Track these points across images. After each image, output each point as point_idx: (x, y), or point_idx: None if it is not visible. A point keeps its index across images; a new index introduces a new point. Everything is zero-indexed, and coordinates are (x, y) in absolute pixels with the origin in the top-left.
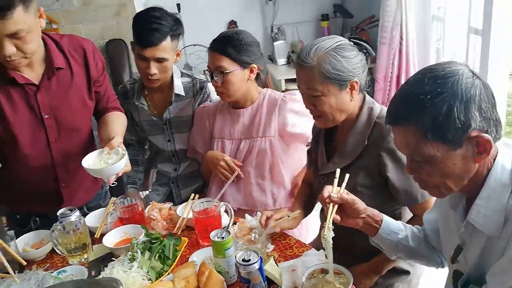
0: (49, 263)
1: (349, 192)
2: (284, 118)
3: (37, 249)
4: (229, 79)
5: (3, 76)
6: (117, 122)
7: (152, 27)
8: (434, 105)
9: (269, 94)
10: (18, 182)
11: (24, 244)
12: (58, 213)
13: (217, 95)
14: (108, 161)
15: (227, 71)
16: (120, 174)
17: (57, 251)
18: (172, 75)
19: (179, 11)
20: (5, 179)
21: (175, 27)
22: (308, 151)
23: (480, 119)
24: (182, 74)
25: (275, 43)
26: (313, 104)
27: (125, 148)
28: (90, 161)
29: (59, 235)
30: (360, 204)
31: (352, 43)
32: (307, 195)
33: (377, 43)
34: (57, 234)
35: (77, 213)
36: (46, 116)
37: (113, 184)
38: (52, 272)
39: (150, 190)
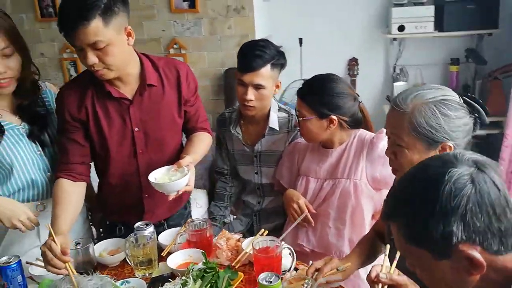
0: (119, 271)
1: (400, 273)
2: (372, 161)
3: (111, 255)
4: (304, 126)
5: (102, 90)
6: (199, 143)
7: (254, 53)
8: (410, 212)
9: (359, 134)
10: (108, 192)
11: (103, 249)
12: (135, 226)
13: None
14: (172, 178)
15: (303, 118)
16: (180, 192)
17: (128, 261)
18: (270, 108)
19: (300, 45)
20: (100, 188)
21: (277, 57)
22: (385, 201)
23: (466, 232)
24: (280, 109)
25: (395, 84)
26: (394, 153)
27: (192, 169)
28: (157, 175)
29: (130, 246)
30: (414, 287)
31: (462, 101)
32: (371, 244)
33: (510, 94)
34: (128, 245)
35: (151, 228)
36: (136, 129)
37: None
38: (115, 280)
39: (235, 218)
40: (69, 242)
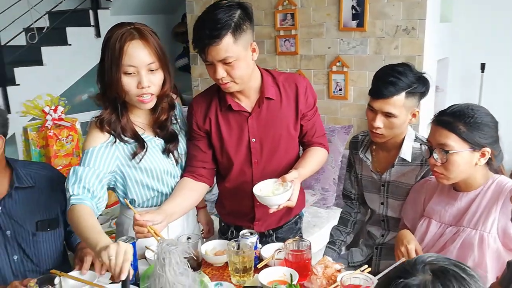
0: (220, 272)
1: None
2: (509, 214)
3: (216, 256)
4: (453, 160)
5: (224, 103)
6: (311, 158)
7: (388, 79)
8: None
9: (499, 180)
10: (225, 196)
11: (211, 248)
12: (240, 233)
13: (433, 174)
14: (274, 191)
15: (452, 151)
16: (281, 207)
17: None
18: (405, 137)
19: (482, 71)
20: (219, 192)
21: (416, 85)
22: (508, 263)
23: None
24: (416, 139)
25: None
26: None
27: (296, 184)
28: (263, 187)
29: (230, 251)
30: None
31: None
32: None
33: None
34: (228, 250)
35: (254, 238)
36: (253, 140)
37: None
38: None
39: (358, 247)
40: (158, 218)
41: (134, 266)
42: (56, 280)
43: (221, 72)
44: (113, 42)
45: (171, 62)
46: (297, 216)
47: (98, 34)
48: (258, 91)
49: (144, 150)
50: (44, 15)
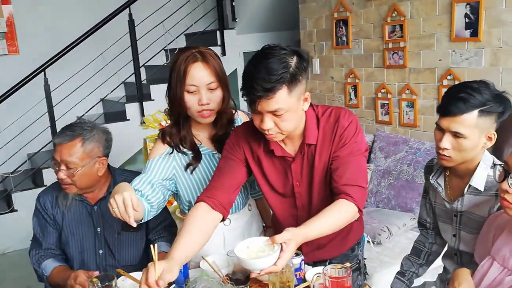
0: None
1: None
2: None
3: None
4: None
5: (267, 147)
6: (325, 215)
7: (458, 95)
8: None
9: None
10: (275, 227)
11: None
12: None
13: (501, 203)
14: (258, 253)
15: None
16: (263, 273)
17: None
18: (479, 163)
19: None
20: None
21: (491, 104)
22: None
23: None
24: (494, 166)
25: None
26: None
27: (288, 248)
28: (250, 245)
29: None
30: None
31: None
32: None
33: None
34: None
35: (298, 260)
36: (296, 184)
37: None
38: None
39: (434, 281)
40: (172, 277)
41: (185, 274)
42: (114, 281)
43: (268, 123)
44: (179, 64)
45: None
46: (356, 244)
47: (223, 53)
48: (301, 135)
49: (199, 162)
50: (179, 36)
